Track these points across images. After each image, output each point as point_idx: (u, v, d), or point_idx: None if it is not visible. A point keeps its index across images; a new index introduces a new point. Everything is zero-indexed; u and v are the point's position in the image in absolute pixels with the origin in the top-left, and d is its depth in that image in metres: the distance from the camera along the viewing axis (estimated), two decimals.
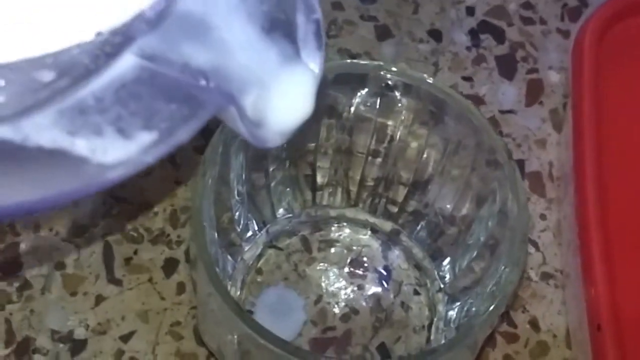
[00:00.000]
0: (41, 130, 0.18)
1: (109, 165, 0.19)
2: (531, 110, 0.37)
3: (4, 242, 0.33)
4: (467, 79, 0.38)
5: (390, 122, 0.31)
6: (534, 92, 0.37)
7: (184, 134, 0.19)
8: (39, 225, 0.33)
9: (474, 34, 0.39)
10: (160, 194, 0.34)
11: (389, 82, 0.29)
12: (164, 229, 0.34)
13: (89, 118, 0.19)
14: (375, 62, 0.30)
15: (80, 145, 0.19)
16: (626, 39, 0.33)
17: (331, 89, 0.29)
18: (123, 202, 0.34)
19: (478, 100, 0.37)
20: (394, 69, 0.29)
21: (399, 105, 0.30)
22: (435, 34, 0.39)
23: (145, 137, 0.19)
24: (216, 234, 0.29)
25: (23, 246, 0.33)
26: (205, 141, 0.35)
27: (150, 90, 0.20)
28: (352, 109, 0.30)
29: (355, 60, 0.34)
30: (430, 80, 0.29)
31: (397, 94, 0.29)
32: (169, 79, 0.20)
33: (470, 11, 0.39)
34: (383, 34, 0.39)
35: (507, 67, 0.38)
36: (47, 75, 0.18)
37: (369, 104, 0.30)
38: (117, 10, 0.19)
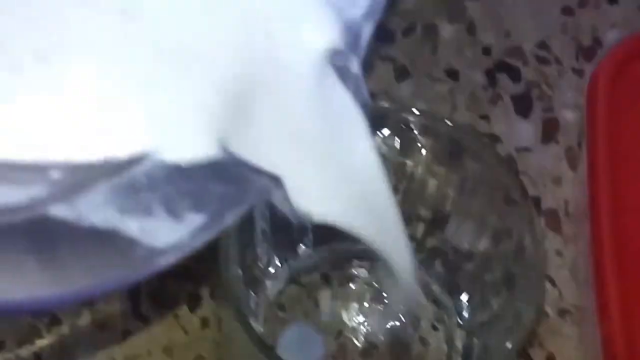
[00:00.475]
0: (94, 208, 0.18)
1: (159, 249, 0.19)
2: (547, 148, 0.38)
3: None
4: (484, 117, 0.39)
5: (409, 161, 0.31)
6: (550, 130, 0.38)
7: (232, 216, 0.20)
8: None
9: (490, 73, 0.40)
10: None
11: (408, 123, 0.30)
12: (189, 265, 0.34)
13: (141, 196, 0.19)
14: (395, 104, 0.31)
15: (131, 225, 0.18)
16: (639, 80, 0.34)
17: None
18: None
19: (495, 138, 0.38)
20: (413, 110, 0.30)
21: (418, 144, 0.31)
22: (453, 74, 0.40)
23: (195, 219, 0.19)
24: (240, 271, 0.30)
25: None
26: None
27: (202, 170, 0.19)
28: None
29: (376, 102, 0.35)
30: (448, 122, 0.30)
31: (416, 133, 0.30)
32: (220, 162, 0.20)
33: (487, 51, 0.40)
34: (401, 73, 0.40)
35: (523, 106, 0.39)
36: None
37: (388, 143, 0.31)
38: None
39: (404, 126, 0.30)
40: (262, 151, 0.21)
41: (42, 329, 0.32)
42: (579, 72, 0.39)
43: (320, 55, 0.22)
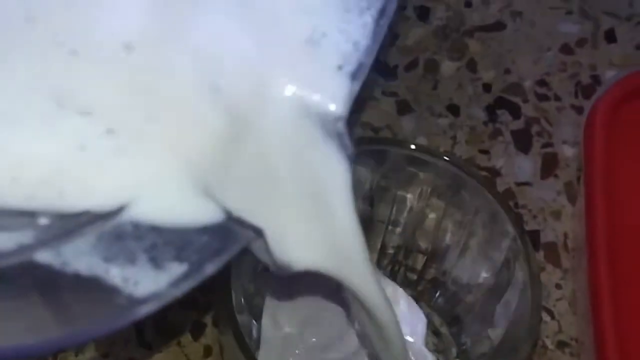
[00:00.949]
0: (79, 255, 0.19)
1: (139, 298, 0.19)
2: (546, 182, 0.38)
3: None
4: (484, 152, 0.39)
5: (409, 195, 0.32)
6: (549, 165, 0.39)
7: (213, 267, 0.20)
8: None
9: (490, 109, 0.40)
10: None
11: (409, 158, 0.31)
12: (193, 293, 0.35)
13: (125, 244, 0.19)
14: (396, 139, 0.31)
15: (114, 274, 0.19)
16: (637, 117, 0.35)
17: (354, 162, 0.31)
18: None
19: (495, 173, 0.39)
20: (412, 146, 0.31)
21: (418, 179, 0.31)
22: (454, 109, 0.40)
23: (176, 269, 0.19)
24: (243, 300, 0.30)
25: None
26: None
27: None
28: (374, 181, 0.32)
29: (378, 136, 0.36)
30: (447, 158, 0.30)
31: (416, 169, 0.31)
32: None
33: (487, 88, 0.41)
34: (404, 108, 0.40)
35: (522, 141, 0.39)
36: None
37: (389, 177, 0.32)
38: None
39: (405, 161, 0.31)
40: (244, 204, 0.21)
41: None
42: (578, 109, 0.40)
43: (315, 119, 0.22)
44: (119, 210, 0.20)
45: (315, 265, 0.22)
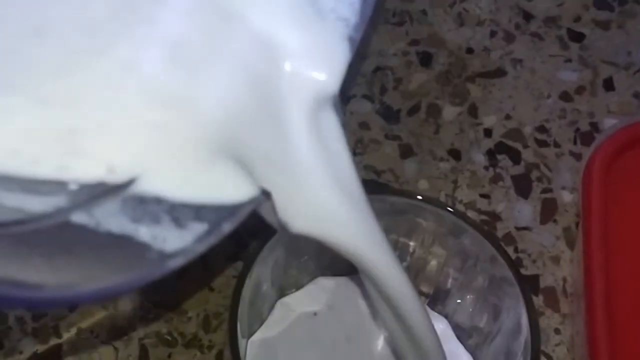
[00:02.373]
0: (109, 216, 0.21)
1: (169, 253, 0.21)
2: (546, 227, 0.39)
3: (47, 343, 0.35)
4: (485, 196, 0.40)
5: (411, 242, 0.33)
6: (548, 210, 0.40)
7: (230, 225, 0.22)
8: (80, 328, 0.36)
9: (491, 154, 0.41)
10: (194, 300, 0.37)
11: (412, 207, 0.31)
12: (197, 333, 0.36)
13: (148, 207, 0.21)
14: (402, 189, 0.32)
15: (143, 232, 0.21)
16: (634, 167, 0.36)
17: None
18: (159, 307, 0.36)
19: (495, 217, 0.39)
20: (418, 197, 0.32)
21: (421, 227, 0.32)
22: (455, 153, 0.41)
23: (198, 228, 0.21)
24: (245, 343, 0.31)
25: (65, 347, 0.35)
26: (237, 249, 0.38)
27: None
28: None
29: (383, 182, 0.36)
30: (450, 209, 0.31)
31: (419, 217, 0.32)
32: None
33: (488, 133, 0.42)
34: (406, 152, 0.41)
35: (522, 186, 0.40)
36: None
37: (391, 225, 0.33)
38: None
39: (408, 209, 0.32)
40: (255, 170, 0.23)
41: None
42: (576, 155, 0.41)
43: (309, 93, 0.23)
44: (133, 180, 0.21)
45: (318, 233, 0.23)
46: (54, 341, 0.35)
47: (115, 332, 0.36)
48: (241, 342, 0.29)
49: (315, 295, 0.34)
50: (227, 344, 0.28)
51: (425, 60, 0.44)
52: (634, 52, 0.44)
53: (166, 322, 0.36)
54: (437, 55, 0.44)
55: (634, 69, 0.43)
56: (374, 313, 0.33)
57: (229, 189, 0.22)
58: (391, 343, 0.32)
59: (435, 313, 0.34)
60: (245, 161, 0.23)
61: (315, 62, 0.23)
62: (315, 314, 0.33)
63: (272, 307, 0.33)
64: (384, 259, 0.24)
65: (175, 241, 0.21)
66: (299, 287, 0.34)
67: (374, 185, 0.40)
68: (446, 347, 0.29)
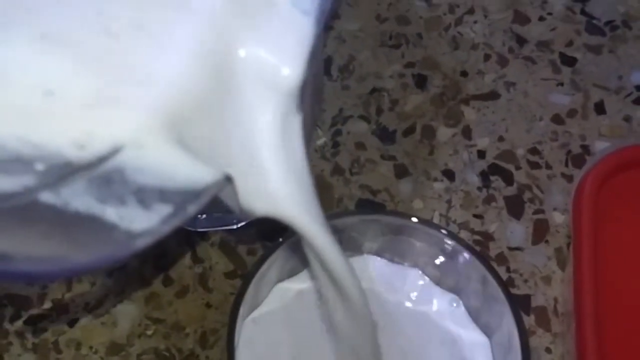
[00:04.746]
0: (76, 197, 0.21)
1: (136, 233, 0.21)
2: (537, 248, 0.40)
3: (47, 359, 0.36)
4: (478, 216, 0.41)
5: (405, 263, 0.34)
6: (540, 231, 0.40)
7: (194, 207, 0.22)
8: (80, 343, 0.36)
9: (484, 175, 0.42)
10: (192, 316, 0.37)
11: (405, 228, 0.32)
12: (194, 349, 0.36)
13: (114, 188, 0.22)
14: (393, 210, 0.33)
15: (110, 212, 0.21)
16: (624, 190, 0.37)
17: (353, 232, 0.32)
18: (157, 323, 0.37)
19: (488, 237, 0.40)
20: (415, 219, 0.32)
21: (414, 248, 0.33)
22: (449, 174, 0.42)
23: (163, 209, 0.22)
24: None
25: None
26: (235, 267, 0.38)
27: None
28: (372, 249, 0.33)
29: (379, 203, 0.37)
30: (443, 231, 0.32)
31: (411, 237, 0.33)
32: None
33: (482, 154, 0.42)
34: (401, 172, 0.42)
35: (515, 207, 0.41)
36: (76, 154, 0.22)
37: (386, 245, 0.33)
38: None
39: (402, 230, 0.33)
40: (216, 153, 0.24)
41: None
42: (568, 177, 0.42)
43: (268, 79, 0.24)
44: (100, 160, 0.22)
45: (274, 212, 0.25)
46: (53, 357, 0.36)
47: (113, 348, 0.36)
48: (238, 356, 0.30)
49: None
50: (224, 357, 0.29)
51: (421, 82, 0.45)
52: (625, 77, 0.45)
53: (164, 338, 0.36)
54: (432, 78, 0.45)
55: (625, 93, 0.44)
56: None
57: (192, 172, 0.23)
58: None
59: (449, 293, 0.34)
60: (209, 145, 0.24)
61: (272, 46, 0.24)
62: (311, 292, 0.34)
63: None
64: (322, 232, 0.26)
65: (142, 222, 0.22)
66: None
67: (370, 205, 0.40)
68: (459, 327, 0.32)
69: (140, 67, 0.23)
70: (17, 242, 0.20)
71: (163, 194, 0.22)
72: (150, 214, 0.22)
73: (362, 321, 0.29)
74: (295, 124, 0.25)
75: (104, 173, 0.22)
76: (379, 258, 0.34)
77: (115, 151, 0.22)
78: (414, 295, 0.33)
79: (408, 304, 0.33)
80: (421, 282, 0.33)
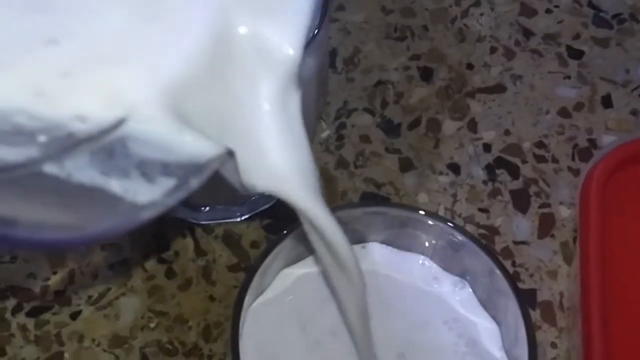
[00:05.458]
0: (79, 169, 0.21)
1: (141, 205, 0.22)
2: (543, 242, 0.40)
3: (49, 351, 0.36)
4: (484, 210, 0.40)
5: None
6: (546, 225, 0.40)
7: (197, 181, 0.23)
8: (82, 335, 0.36)
9: (490, 169, 0.42)
10: (195, 309, 0.37)
11: (410, 221, 0.32)
12: (197, 342, 0.36)
13: (117, 161, 0.22)
14: (399, 202, 0.32)
15: (114, 185, 0.22)
16: (632, 184, 0.36)
17: (358, 224, 0.32)
18: (160, 315, 0.37)
19: (493, 231, 0.40)
20: (421, 211, 0.32)
21: (419, 241, 0.33)
22: (454, 168, 0.42)
23: (166, 182, 0.22)
24: None
25: (67, 355, 0.35)
26: (238, 260, 0.38)
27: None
28: (378, 241, 0.33)
29: (384, 196, 0.37)
30: (450, 224, 0.32)
31: (417, 230, 0.32)
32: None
33: (487, 148, 0.42)
34: (406, 165, 0.42)
35: (521, 201, 0.41)
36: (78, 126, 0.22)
37: (392, 238, 0.33)
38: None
39: (408, 223, 0.32)
40: (218, 128, 0.24)
41: None
42: (574, 171, 0.41)
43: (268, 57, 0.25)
44: (102, 133, 0.22)
45: (273, 187, 0.25)
46: (56, 349, 0.36)
47: (116, 340, 0.36)
48: (242, 348, 0.29)
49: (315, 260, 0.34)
50: (228, 350, 0.29)
51: (426, 75, 0.44)
52: (632, 70, 0.44)
53: (167, 331, 0.36)
54: (438, 71, 0.45)
55: (632, 87, 0.44)
56: None
57: (194, 146, 0.23)
58: None
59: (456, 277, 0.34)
60: (211, 120, 0.24)
61: (271, 22, 0.25)
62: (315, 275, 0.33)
63: None
64: (319, 206, 0.27)
65: (146, 194, 0.22)
66: None
67: (375, 198, 0.40)
68: (467, 310, 0.32)
69: (146, 43, 0.23)
70: (22, 210, 0.20)
71: (166, 168, 0.22)
72: (154, 186, 0.22)
73: (352, 279, 0.29)
74: (295, 100, 0.25)
75: (106, 146, 0.22)
76: (384, 245, 0.34)
77: (117, 124, 0.22)
78: (420, 275, 0.33)
79: (414, 283, 0.33)
80: (427, 265, 0.33)
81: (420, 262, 0.33)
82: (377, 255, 0.33)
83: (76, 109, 0.22)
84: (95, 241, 0.30)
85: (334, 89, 0.43)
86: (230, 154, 0.24)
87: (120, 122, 0.22)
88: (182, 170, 0.22)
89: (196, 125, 0.23)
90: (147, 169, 0.22)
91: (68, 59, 0.23)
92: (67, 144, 0.22)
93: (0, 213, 0.20)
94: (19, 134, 0.22)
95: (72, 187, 0.21)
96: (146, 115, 0.23)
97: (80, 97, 0.22)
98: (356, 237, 0.33)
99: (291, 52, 0.25)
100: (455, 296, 0.33)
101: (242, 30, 0.24)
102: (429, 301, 0.33)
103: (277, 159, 0.25)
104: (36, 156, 0.21)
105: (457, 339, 0.32)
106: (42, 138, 0.22)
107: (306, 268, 0.33)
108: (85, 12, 0.23)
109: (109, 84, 0.23)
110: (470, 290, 0.33)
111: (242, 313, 0.29)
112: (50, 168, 0.21)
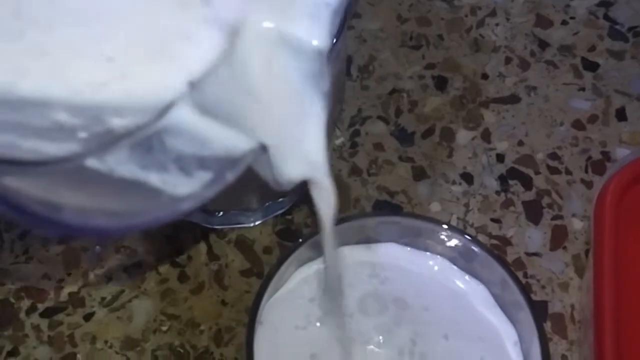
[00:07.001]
0: (120, 164, 0.22)
1: (180, 197, 0.22)
2: (555, 254, 0.40)
3: (62, 352, 0.36)
4: (496, 220, 0.40)
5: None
6: (558, 237, 0.40)
7: (232, 174, 0.23)
8: (95, 337, 0.36)
9: (503, 179, 0.42)
10: (207, 313, 0.37)
11: (423, 230, 0.32)
12: (209, 346, 0.36)
13: (155, 156, 0.23)
14: (412, 212, 0.33)
15: (153, 179, 0.22)
16: None
17: (371, 232, 0.32)
18: (172, 319, 0.37)
19: (505, 242, 0.40)
20: (435, 221, 0.32)
21: (431, 250, 0.33)
22: (467, 177, 0.42)
23: (203, 176, 0.23)
24: None
25: (79, 356, 0.36)
26: (251, 265, 0.38)
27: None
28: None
29: (399, 205, 0.37)
30: (467, 236, 0.32)
31: (429, 240, 0.32)
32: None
33: (501, 158, 0.42)
34: (419, 174, 0.42)
35: (533, 212, 0.41)
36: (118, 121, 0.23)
37: (402, 246, 0.33)
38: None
39: (421, 232, 0.32)
40: (250, 122, 0.24)
41: None
42: (587, 184, 0.41)
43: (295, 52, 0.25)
44: (139, 128, 0.23)
45: (311, 172, 0.26)
46: (68, 350, 0.36)
47: (128, 342, 0.36)
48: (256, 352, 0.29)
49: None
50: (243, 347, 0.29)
51: (441, 84, 0.44)
52: None
53: (179, 335, 0.36)
54: (453, 80, 0.45)
55: None
56: None
57: (229, 141, 0.24)
58: None
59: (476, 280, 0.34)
60: (243, 115, 0.24)
61: (295, 15, 0.24)
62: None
63: None
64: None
65: (185, 187, 0.23)
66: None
67: (387, 207, 0.40)
68: (486, 314, 0.32)
69: (177, 41, 0.24)
70: (68, 197, 0.21)
71: (202, 162, 0.23)
72: (192, 180, 0.23)
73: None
74: (325, 84, 0.25)
75: (144, 141, 0.23)
76: (398, 244, 0.34)
77: (154, 120, 0.23)
78: (437, 270, 0.33)
79: (432, 277, 0.33)
80: (446, 264, 0.33)
81: (437, 259, 0.33)
82: (391, 252, 0.34)
83: (115, 105, 0.22)
84: (137, 229, 0.31)
85: (348, 96, 0.44)
86: (263, 148, 0.24)
87: (156, 118, 0.23)
88: (218, 164, 0.23)
89: (228, 120, 0.24)
90: (184, 163, 0.23)
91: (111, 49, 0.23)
92: (106, 139, 0.22)
93: (47, 198, 0.20)
94: (60, 130, 0.22)
95: (114, 180, 0.22)
96: (180, 111, 0.23)
97: (118, 94, 0.23)
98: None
99: (318, 41, 0.24)
100: (476, 295, 0.33)
101: (267, 24, 0.24)
102: (448, 295, 0.32)
103: (313, 144, 0.25)
104: (78, 151, 0.22)
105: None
106: (82, 134, 0.22)
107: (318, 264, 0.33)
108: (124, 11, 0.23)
109: (144, 81, 0.23)
110: (489, 292, 0.33)
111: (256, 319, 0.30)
112: (92, 162, 0.22)
